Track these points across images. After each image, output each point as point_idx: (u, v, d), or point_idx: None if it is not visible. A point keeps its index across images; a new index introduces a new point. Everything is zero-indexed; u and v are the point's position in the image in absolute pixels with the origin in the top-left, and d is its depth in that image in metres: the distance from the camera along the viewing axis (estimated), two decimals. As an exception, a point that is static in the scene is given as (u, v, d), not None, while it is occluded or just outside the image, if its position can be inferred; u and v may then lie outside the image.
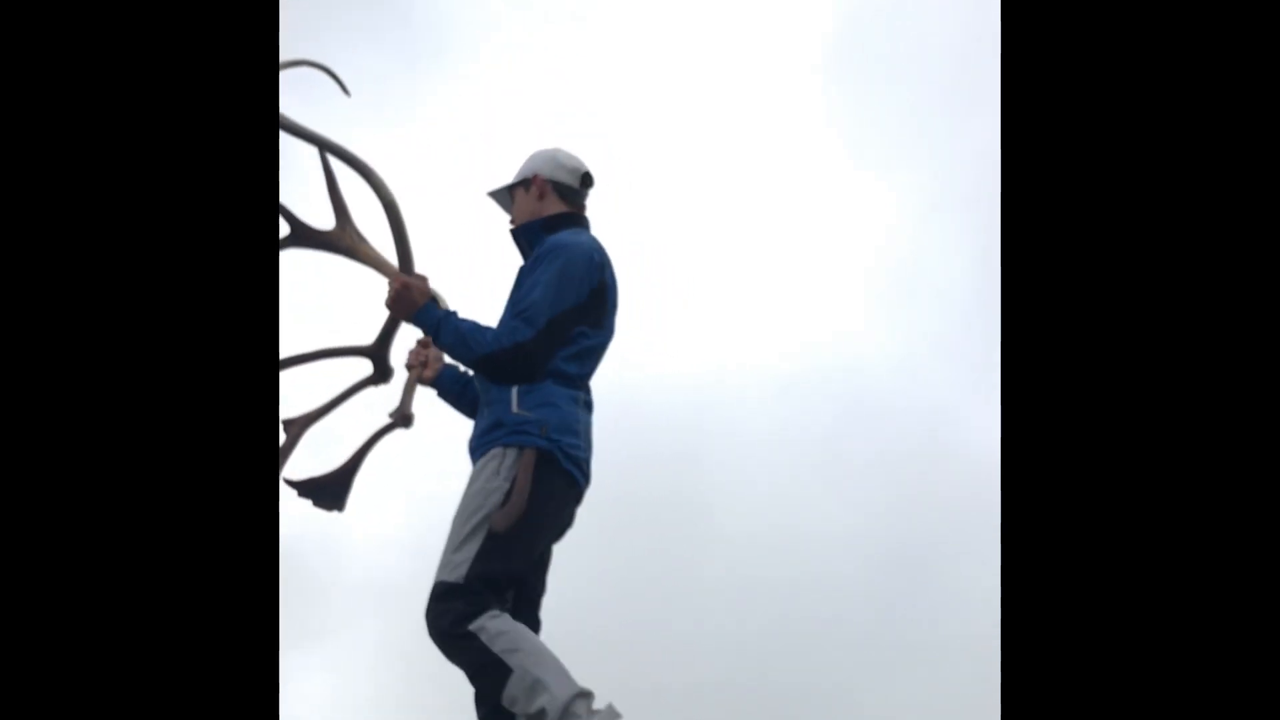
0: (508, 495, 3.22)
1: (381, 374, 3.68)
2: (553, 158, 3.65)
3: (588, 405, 3.46)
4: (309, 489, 3.68)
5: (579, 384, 3.43)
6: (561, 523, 3.39)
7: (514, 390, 3.34)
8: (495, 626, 3.07)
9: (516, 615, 3.24)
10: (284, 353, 3.42)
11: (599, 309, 3.46)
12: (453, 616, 3.09)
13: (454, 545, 3.19)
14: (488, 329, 3.37)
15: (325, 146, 3.48)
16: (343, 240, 3.53)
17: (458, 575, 3.14)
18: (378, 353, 3.65)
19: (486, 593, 3.13)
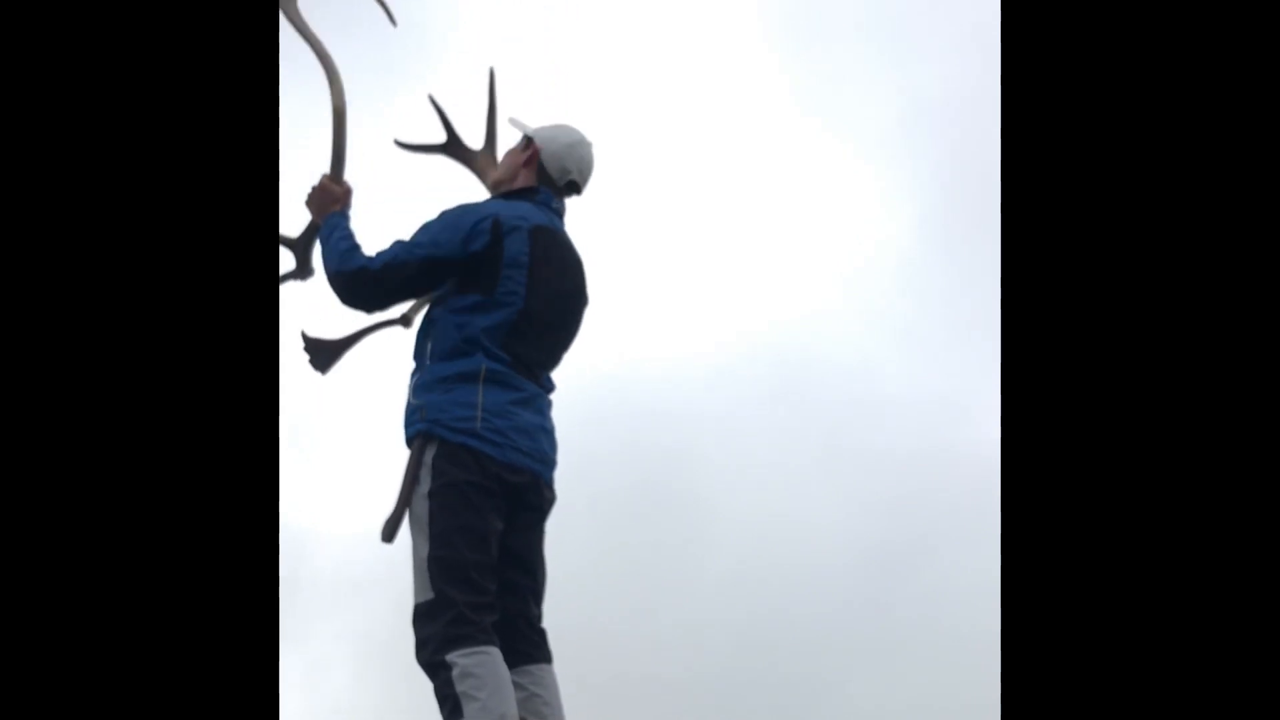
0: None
1: (302, 270, 3.60)
2: (564, 146, 3.50)
3: (510, 386, 3.29)
4: (311, 344, 3.68)
5: (494, 358, 3.28)
6: (496, 499, 3.23)
7: (413, 377, 3.33)
8: (468, 665, 3.04)
9: (515, 613, 3.23)
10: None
11: (487, 274, 3.29)
12: (436, 642, 3.07)
13: (413, 565, 3.17)
14: (353, 250, 3.33)
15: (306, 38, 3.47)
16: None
17: (427, 594, 3.11)
18: (301, 247, 3.58)
19: (463, 605, 3.09)
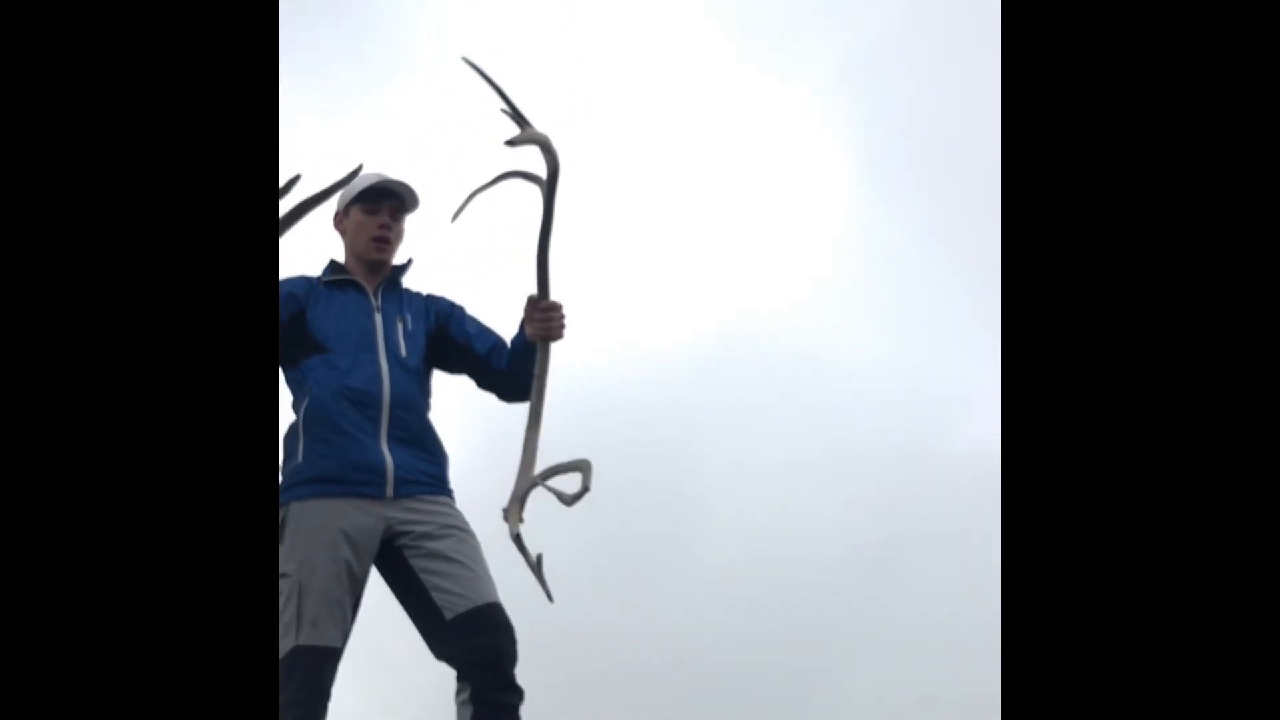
0: None
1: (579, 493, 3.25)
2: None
3: None
4: None
5: None
6: None
7: (428, 435, 3.49)
8: None
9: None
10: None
11: None
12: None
13: (489, 574, 3.34)
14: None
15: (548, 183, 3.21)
16: None
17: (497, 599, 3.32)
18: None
19: None
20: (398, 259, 3.63)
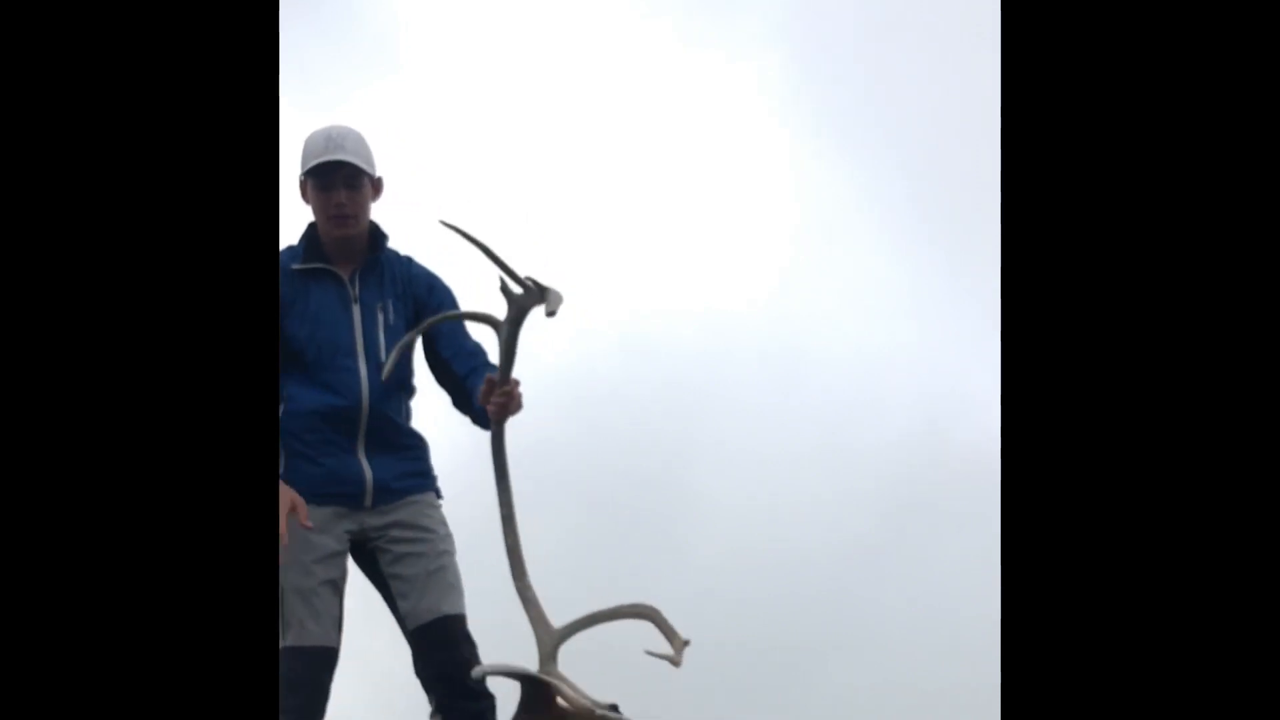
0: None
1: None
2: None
3: None
4: None
5: None
6: None
7: (411, 438, 3.43)
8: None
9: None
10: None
11: None
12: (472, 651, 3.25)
13: (455, 580, 3.32)
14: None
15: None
16: None
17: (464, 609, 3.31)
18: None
19: None
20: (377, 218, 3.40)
